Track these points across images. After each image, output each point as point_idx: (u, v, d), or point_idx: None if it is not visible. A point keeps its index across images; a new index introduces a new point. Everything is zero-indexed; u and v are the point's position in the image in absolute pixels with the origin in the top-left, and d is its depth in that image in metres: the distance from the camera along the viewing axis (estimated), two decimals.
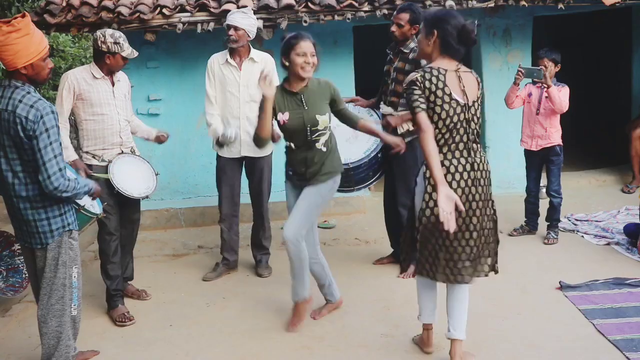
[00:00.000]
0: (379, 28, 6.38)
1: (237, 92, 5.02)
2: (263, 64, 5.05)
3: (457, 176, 3.37)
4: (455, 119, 3.36)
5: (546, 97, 5.46)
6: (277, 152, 5.37)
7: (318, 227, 6.48)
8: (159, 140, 4.95)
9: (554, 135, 5.57)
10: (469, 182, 3.39)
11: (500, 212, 6.39)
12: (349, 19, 6.09)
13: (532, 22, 7.15)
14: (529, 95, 5.64)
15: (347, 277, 5.03)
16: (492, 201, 3.56)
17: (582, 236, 5.73)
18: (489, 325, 4.11)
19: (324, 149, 4.06)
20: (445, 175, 3.32)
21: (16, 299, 4.99)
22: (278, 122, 4.04)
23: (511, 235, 5.83)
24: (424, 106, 3.33)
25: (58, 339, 3.53)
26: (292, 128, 4.01)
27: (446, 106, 3.33)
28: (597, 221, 6.04)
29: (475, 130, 3.45)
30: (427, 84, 3.32)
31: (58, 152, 3.33)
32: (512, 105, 5.65)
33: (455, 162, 3.39)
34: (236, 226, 5.34)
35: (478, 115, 3.46)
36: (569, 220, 6.09)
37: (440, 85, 3.32)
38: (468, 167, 3.39)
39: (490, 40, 7.12)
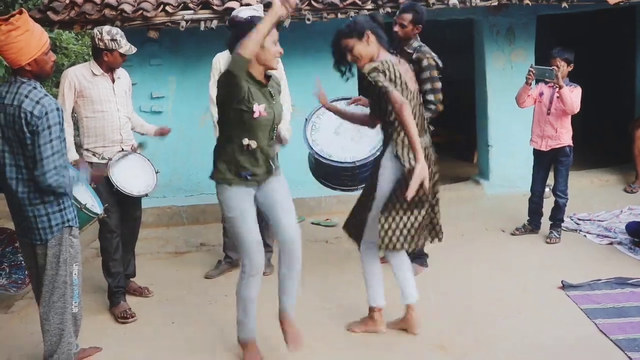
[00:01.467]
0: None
1: None
2: None
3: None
4: (412, 104, 3.65)
5: (558, 97, 5.43)
6: (284, 150, 5.36)
7: (320, 225, 6.56)
8: (161, 133, 4.94)
9: (564, 136, 5.53)
10: (427, 157, 3.74)
11: (503, 210, 6.49)
12: (351, 17, 6.08)
13: (535, 20, 7.14)
14: (541, 94, 5.59)
15: (349, 276, 5.03)
16: None
17: (585, 236, 5.73)
18: (490, 324, 4.11)
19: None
20: (411, 152, 3.66)
21: (19, 296, 5.00)
22: (252, 113, 3.50)
23: (513, 235, 5.83)
24: (392, 87, 3.62)
25: (60, 336, 3.53)
26: (263, 123, 3.54)
27: (405, 92, 3.63)
28: (599, 221, 6.03)
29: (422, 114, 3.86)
30: (386, 72, 3.60)
31: (57, 150, 3.32)
32: (523, 104, 5.61)
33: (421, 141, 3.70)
34: None
35: (421, 100, 3.89)
36: (572, 220, 6.08)
37: (397, 74, 3.64)
38: (424, 145, 3.72)
39: (493, 39, 7.11)
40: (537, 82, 5.61)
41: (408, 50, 4.72)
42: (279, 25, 5.85)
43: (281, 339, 3.87)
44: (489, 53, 7.15)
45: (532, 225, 5.85)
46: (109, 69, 4.49)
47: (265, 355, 3.89)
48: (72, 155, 4.33)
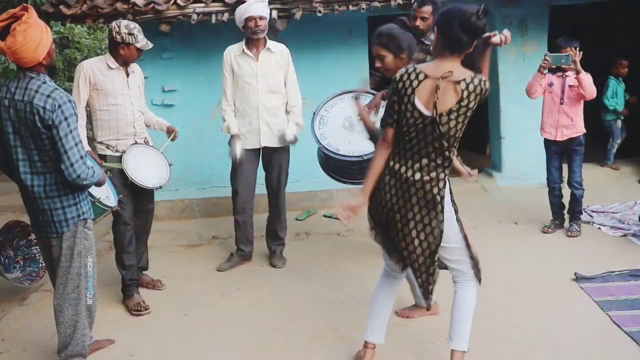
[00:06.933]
0: (393, 19, 6.34)
1: (255, 82, 5.02)
2: (280, 55, 5.07)
3: (392, 182, 3.16)
4: (412, 128, 3.06)
5: (570, 85, 5.39)
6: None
7: (332, 218, 6.56)
8: (169, 131, 4.95)
9: (580, 124, 5.49)
10: (399, 193, 3.14)
11: (515, 203, 6.45)
12: (363, 9, 6.07)
13: (548, 11, 7.08)
14: (550, 85, 5.56)
15: (361, 268, 5.03)
16: (439, 229, 3.15)
17: (599, 228, 5.69)
18: (504, 316, 4.10)
19: None
20: (385, 176, 3.19)
21: (33, 288, 5.04)
22: None
23: (546, 233, 5.64)
24: (391, 121, 3.14)
25: (74, 327, 3.56)
26: None
27: (408, 114, 3.05)
28: (613, 212, 6.00)
29: (435, 147, 3.07)
30: (400, 84, 3.08)
31: (78, 140, 3.34)
32: (534, 95, 5.55)
33: (395, 167, 3.15)
34: (251, 218, 5.36)
35: (445, 131, 3.02)
36: (585, 212, 6.04)
37: (409, 91, 3.04)
38: (404, 178, 3.12)
39: None
40: (548, 70, 5.54)
41: (426, 42, 4.66)
42: (275, 30, 5.83)
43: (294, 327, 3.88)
44: None
45: (560, 219, 5.74)
46: (124, 63, 4.50)
47: (276, 344, 3.91)
48: (85, 146, 4.35)
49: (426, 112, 3.02)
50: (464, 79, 2.97)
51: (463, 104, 2.98)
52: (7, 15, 3.27)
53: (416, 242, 3.17)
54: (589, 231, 5.64)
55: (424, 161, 3.08)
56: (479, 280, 3.37)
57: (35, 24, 3.25)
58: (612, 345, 3.69)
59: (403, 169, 3.12)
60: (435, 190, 3.09)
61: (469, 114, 3.03)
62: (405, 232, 3.18)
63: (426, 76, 3.03)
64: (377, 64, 3.65)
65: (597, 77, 5.85)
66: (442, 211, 3.12)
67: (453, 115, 2.99)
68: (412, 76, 3.05)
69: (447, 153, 3.08)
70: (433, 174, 3.09)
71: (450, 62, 3.03)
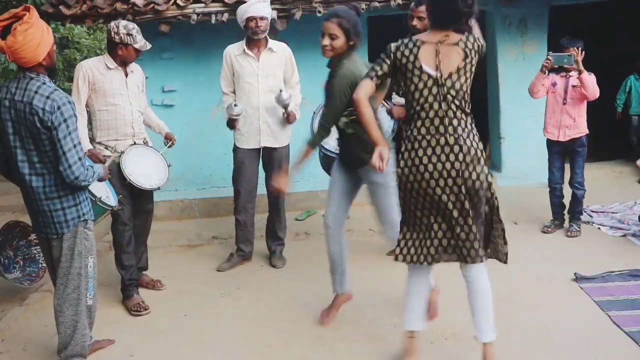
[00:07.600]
0: (393, 18, 6.35)
1: (255, 82, 5.02)
2: (281, 54, 5.07)
3: (429, 151, 3.18)
4: (425, 92, 3.19)
5: (573, 85, 5.39)
6: (294, 142, 5.37)
7: None
8: (167, 138, 4.94)
9: (582, 125, 5.49)
10: (442, 157, 3.17)
11: (515, 203, 6.45)
12: (363, 9, 6.05)
13: (548, 11, 7.08)
14: (553, 85, 5.55)
15: (361, 269, 5.02)
16: (487, 182, 3.24)
17: (599, 228, 5.69)
18: (504, 315, 4.08)
19: None
20: (413, 150, 3.22)
21: (33, 288, 5.04)
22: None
23: (546, 233, 5.66)
24: (373, 74, 3.28)
25: (74, 327, 3.56)
26: None
27: (416, 79, 3.19)
28: (613, 213, 6.00)
29: (456, 105, 3.19)
30: (399, 54, 3.22)
31: (77, 142, 3.34)
32: (537, 94, 5.54)
33: (428, 137, 3.19)
34: (252, 217, 5.36)
35: (459, 88, 3.18)
36: (585, 212, 6.04)
37: (412, 58, 3.19)
38: (442, 142, 3.17)
39: (505, 30, 7.06)
40: (550, 71, 5.54)
41: None
42: (274, 30, 5.82)
43: (293, 327, 3.87)
44: (501, 44, 7.10)
45: (560, 220, 5.75)
46: (123, 63, 4.51)
47: (276, 344, 3.91)
48: (86, 145, 4.35)
49: (434, 73, 3.18)
50: (460, 39, 3.19)
51: (468, 60, 3.19)
52: (9, 15, 3.27)
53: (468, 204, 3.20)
54: (589, 231, 5.64)
55: (455, 122, 3.20)
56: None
57: (37, 24, 3.26)
58: (612, 345, 3.69)
59: (443, 139, 3.18)
60: (475, 145, 3.21)
61: (473, 70, 3.24)
62: (464, 195, 3.18)
63: (423, 42, 3.21)
64: (324, 42, 3.80)
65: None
66: (485, 164, 3.23)
67: (462, 72, 3.19)
68: (410, 44, 3.22)
69: (467, 110, 3.26)
70: (467, 129, 3.22)
71: (442, 31, 3.20)
